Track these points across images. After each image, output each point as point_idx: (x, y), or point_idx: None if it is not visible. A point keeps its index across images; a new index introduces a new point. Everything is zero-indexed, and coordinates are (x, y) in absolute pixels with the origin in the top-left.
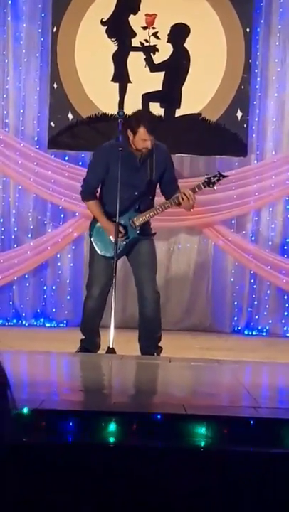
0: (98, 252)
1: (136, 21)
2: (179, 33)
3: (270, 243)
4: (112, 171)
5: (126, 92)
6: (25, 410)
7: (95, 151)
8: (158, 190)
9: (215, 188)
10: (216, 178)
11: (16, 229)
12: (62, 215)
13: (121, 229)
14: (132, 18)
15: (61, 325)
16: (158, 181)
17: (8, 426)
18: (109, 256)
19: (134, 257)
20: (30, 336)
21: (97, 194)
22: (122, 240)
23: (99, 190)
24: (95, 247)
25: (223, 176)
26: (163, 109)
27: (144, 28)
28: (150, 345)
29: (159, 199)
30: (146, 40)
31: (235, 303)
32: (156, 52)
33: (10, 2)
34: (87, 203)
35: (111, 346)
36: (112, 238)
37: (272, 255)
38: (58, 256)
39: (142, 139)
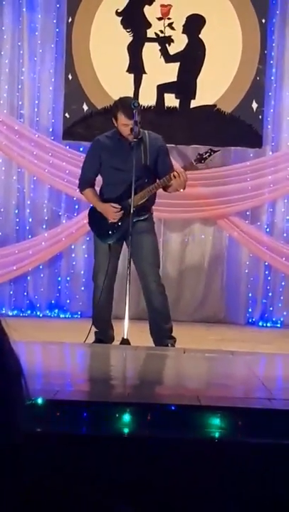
0: (96, 237)
1: (151, 12)
2: (194, 23)
3: (284, 235)
4: (104, 159)
5: (141, 83)
6: (40, 401)
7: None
8: None
9: (205, 163)
10: (208, 154)
11: (30, 220)
12: (76, 206)
13: (116, 205)
14: (147, 9)
15: (75, 316)
16: (153, 168)
17: (23, 414)
18: (107, 239)
19: (136, 251)
20: (44, 326)
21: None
22: (118, 217)
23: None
24: (94, 233)
25: (214, 151)
26: (178, 100)
27: (160, 18)
28: (162, 336)
29: None
30: (162, 31)
31: (250, 294)
32: (172, 43)
33: None
34: (83, 192)
35: (125, 337)
36: (110, 220)
37: (287, 247)
38: (73, 247)
39: (123, 124)
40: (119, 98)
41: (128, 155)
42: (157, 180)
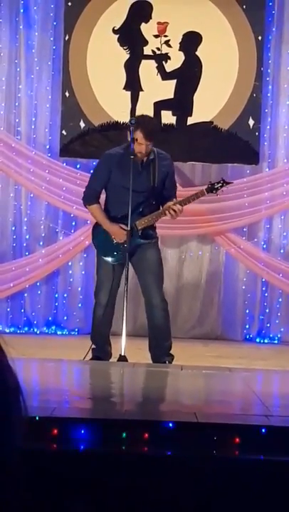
0: (101, 256)
1: (148, 29)
2: (190, 41)
3: (281, 251)
4: (114, 176)
5: (138, 100)
6: (37, 418)
7: (100, 157)
8: None
9: (217, 194)
10: (220, 185)
11: (27, 237)
12: (73, 223)
13: (125, 227)
14: (143, 27)
15: (72, 333)
16: (161, 188)
17: (21, 431)
18: (111, 260)
19: (140, 264)
20: (41, 343)
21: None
22: (123, 241)
23: (105, 197)
24: (97, 251)
25: (227, 183)
26: (175, 117)
27: (156, 36)
28: (161, 353)
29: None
30: (158, 49)
31: (247, 311)
32: (168, 61)
33: (22, 11)
34: (89, 207)
35: (123, 354)
36: (116, 240)
37: (284, 263)
38: (70, 264)
39: (138, 143)
40: (140, 115)
41: (139, 175)
42: (157, 212)
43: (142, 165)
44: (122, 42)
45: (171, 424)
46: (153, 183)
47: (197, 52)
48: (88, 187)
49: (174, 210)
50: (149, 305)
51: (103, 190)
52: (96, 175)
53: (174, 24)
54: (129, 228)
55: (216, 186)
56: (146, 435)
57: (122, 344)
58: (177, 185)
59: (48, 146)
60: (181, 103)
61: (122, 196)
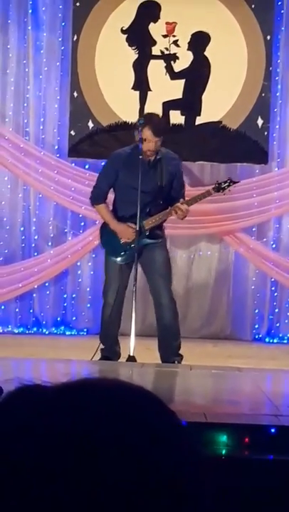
0: (109, 256)
1: (156, 29)
2: (199, 40)
3: None
4: (121, 176)
5: (146, 100)
6: None
7: (108, 157)
8: None
9: (224, 194)
10: (226, 184)
11: (36, 237)
12: (82, 223)
13: (133, 225)
14: (152, 27)
15: (81, 333)
16: (168, 188)
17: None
18: (119, 260)
19: (149, 265)
20: (50, 344)
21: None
22: (133, 238)
23: (113, 197)
24: (105, 251)
25: (234, 182)
26: (183, 117)
27: (165, 36)
28: (170, 353)
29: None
30: (167, 49)
31: (256, 310)
32: (177, 60)
33: (30, 11)
34: (96, 206)
35: (131, 354)
36: (123, 240)
37: None
38: (78, 264)
39: (147, 140)
40: (148, 113)
41: (146, 175)
42: (164, 211)
43: (149, 164)
44: (130, 42)
45: None
46: (160, 183)
47: (206, 52)
48: (96, 187)
49: (181, 210)
50: (158, 305)
51: (111, 190)
52: (104, 175)
53: (182, 24)
54: (137, 228)
55: (223, 186)
56: None
57: (130, 344)
58: (186, 184)
59: (56, 147)
60: (190, 103)
61: (129, 196)
